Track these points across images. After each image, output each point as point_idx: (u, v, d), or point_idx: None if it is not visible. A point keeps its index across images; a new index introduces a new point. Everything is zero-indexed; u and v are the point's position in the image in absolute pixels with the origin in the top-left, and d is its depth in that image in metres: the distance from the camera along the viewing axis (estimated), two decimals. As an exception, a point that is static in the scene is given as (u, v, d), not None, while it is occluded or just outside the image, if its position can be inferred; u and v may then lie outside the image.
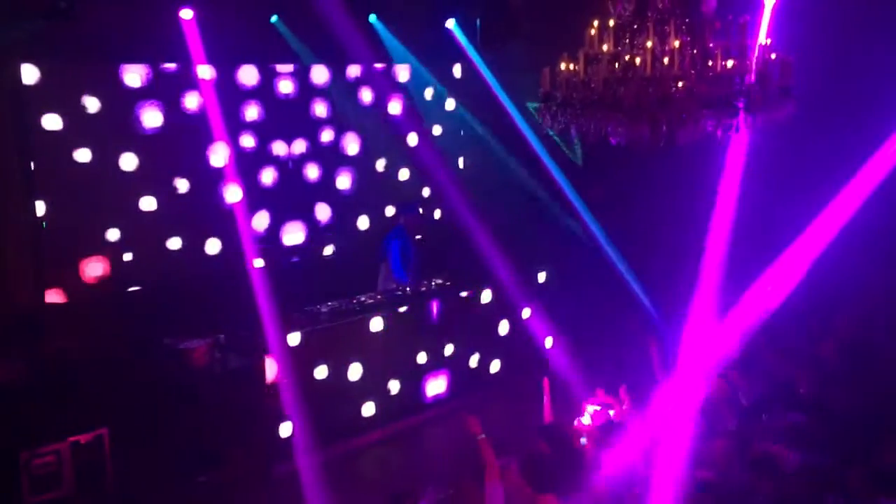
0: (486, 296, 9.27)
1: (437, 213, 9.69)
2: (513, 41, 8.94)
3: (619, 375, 6.86)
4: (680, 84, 4.44)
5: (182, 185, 8.75)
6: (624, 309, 9.10)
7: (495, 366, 9.45)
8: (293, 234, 9.69)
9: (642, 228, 9.16)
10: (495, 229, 9.30)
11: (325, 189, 9.90)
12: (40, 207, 7.82)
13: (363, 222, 10.20)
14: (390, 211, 10.22)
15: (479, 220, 9.33)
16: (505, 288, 9.28)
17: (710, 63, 4.54)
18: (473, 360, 9.23)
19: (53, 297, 7.95)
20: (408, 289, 8.85)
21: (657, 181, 8.62)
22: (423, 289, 8.95)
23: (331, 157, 9.89)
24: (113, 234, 8.29)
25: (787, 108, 4.60)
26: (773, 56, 4.57)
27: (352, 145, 10.01)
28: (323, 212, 9.72)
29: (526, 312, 9.32)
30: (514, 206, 9.64)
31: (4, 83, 7.49)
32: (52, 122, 7.84)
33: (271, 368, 7.58)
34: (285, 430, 7.66)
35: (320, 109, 9.73)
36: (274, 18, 8.84)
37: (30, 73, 7.68)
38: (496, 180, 9.57)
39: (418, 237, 9.32)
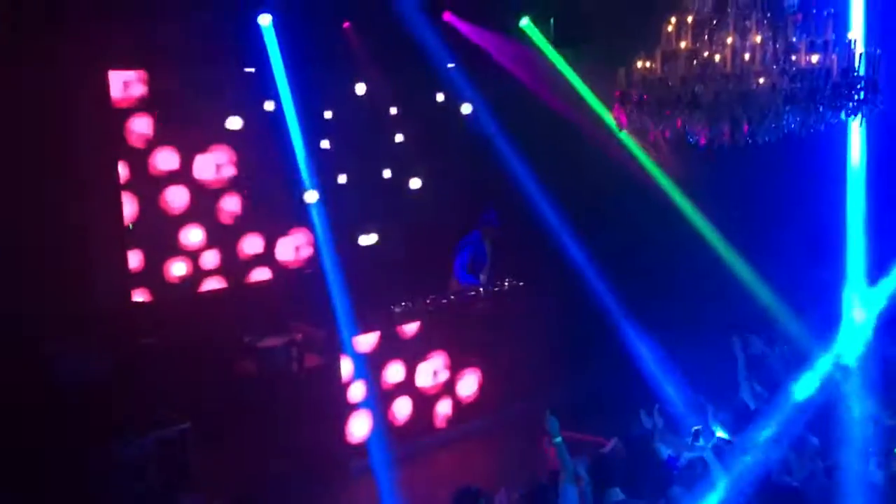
0: (562, 296, 9.20)
1: (515, 214, 9.60)
2: (587, 40, 8.82)
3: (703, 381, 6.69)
4: (761, 80, 4.32)
5: (260, 186, 8.95)
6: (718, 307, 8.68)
7: (570, 367, 9.37)
8: (367, 236, 9.82)
9: (745, 221, 8.73)
10: (579, 229, 9.18)
11: (398, 190, 9.99)
12: (127, 209, 8.11)
13: (435, 223, 10.24)
14: (463, 212, 10.19)
15: (560, 219, 9.22)
16: (582, 289, 9.22)
17: (794, 58, 4.41)
18: (548, 361, 9.17)
19: (139, 296, 8.24)
20: (481, 290, 8.85)
21: (762, 172, 8.21)
22: (497, 289, 8.94)
23: (403, 159, 9.98)
24: (195, 235, 8.55)
25: (876, 102, 4.43)
26: (861, 50, 4.41)
27: (425, 147, 10.08)
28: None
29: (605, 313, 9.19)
30: (599, 204, 9.39)
31: (93, 90, 7.78)
32: (137, 126, 8.13)
33: (346, 367, 7.69)
34: (360, 427, 7.76)
35: (393, 111, 9.82)
36: (346, 24, 8.94)
37: (117, 80, 7.97)
38: (578, 178, 9.38)
39: (492, 243, 9.28)
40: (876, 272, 7.64)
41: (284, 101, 8.74)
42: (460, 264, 9.06)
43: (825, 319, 7.38)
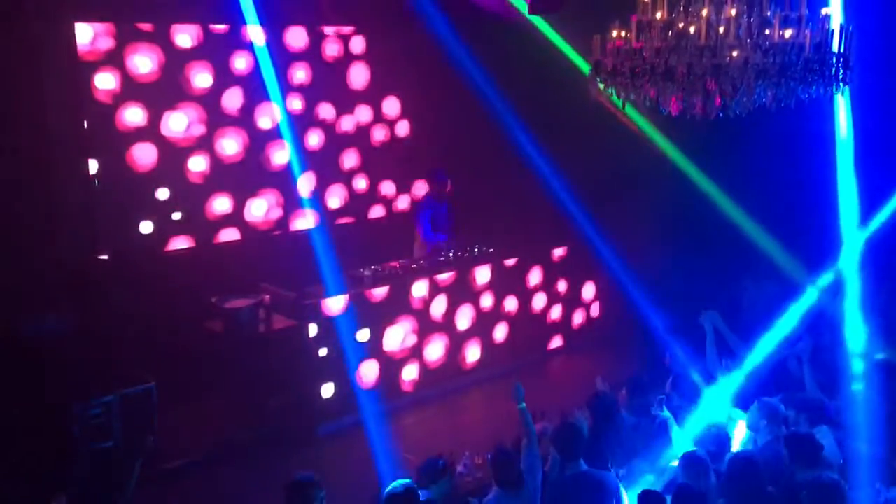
0: (530, 263, 9.28)
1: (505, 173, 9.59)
2: (565, 6, 8.76)
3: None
4: (735, 54, 4.32)
5: (230, 146, 8.84)
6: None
7: (538, 333, 9.49)
8: (334, 198, 9.76)
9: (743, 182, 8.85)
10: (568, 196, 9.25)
11: (365, 154, 9.93)
12: (93, 166, 7.97)
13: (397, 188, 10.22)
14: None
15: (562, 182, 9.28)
16: (553, 255, 9.31)
17: (767, 32, 4.41)
18: (516, 328, 9.25)
19: (105, 253, 8.13)
20: (450, 255, 8.86)
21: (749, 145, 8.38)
22: (466, 255, 8.96)
23: (372, 122, 9.91)
24: (162, 194, 8.43)
25: (845, 79, 4.45)
26: (835, 25, 4.42)
27: (393, 110, 10.01)
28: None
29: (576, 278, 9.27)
30: (589, 172, 9.41)
31: (59, 43, 7.59)
32: (104, 81, 7.96)
33: (314, 330, 7.69)
34: (327, 390, 7.78)
35: (364, 73, 9.72)
36: None
37: (84, 33, 7.78)
38: (566, 145, 9.38)
39: (447, 203, 9.27)
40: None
41: (256, 59, 8.64)
42: (424, 228, 9.05)
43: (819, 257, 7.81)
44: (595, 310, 10.03)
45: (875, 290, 7.54)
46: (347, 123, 9.72)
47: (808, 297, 7.46)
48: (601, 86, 4.63)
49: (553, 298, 9.58)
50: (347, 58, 9.60)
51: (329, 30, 9.40)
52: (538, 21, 9.41)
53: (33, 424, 6.39)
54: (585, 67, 8.76)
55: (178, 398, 7.23)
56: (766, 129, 7.47)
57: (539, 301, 9.46)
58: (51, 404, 6.51)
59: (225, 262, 8.50)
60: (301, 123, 9.24)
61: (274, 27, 8.75)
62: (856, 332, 6.95)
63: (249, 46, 8.65)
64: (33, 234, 7.44)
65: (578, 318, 9.89)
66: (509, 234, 9.48)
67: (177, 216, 8.51)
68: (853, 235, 7.94)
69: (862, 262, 7.76)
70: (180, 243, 8.60)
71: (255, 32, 8.53)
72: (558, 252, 9.56)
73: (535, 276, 9.37)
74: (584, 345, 9.82)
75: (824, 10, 4.51)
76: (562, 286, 9.63)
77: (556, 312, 9.64)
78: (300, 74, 9.24)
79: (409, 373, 8.41)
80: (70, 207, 7.81)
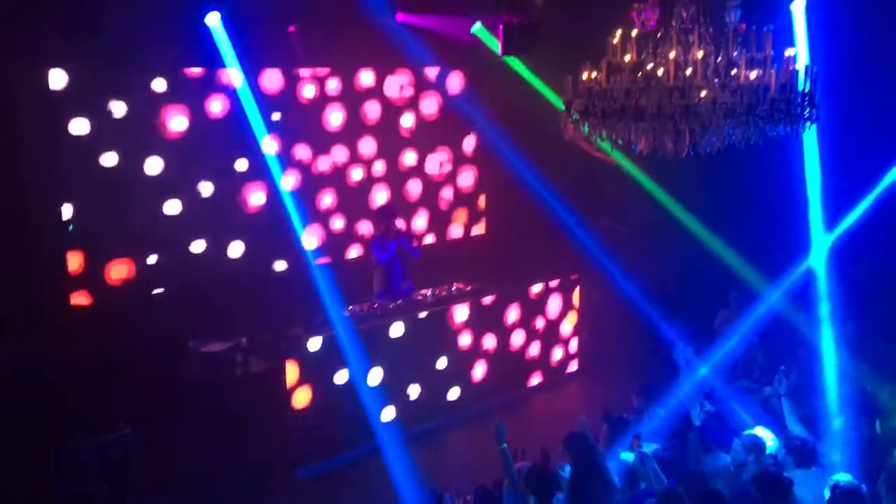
0: (508, 300, 9.30)
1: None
2: (536, 48, 8.92)
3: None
4: (703, 94, 4.41)
5: (206, 188, 8.82)
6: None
7: (515, 372, 9.48)
8: (311, 238, 9.74)
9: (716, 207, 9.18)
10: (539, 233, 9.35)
11: (342, 194, 9.95)
12: (67, 210, 7.92)
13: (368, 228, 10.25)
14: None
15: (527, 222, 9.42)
16: (529, 292, 9.35)
17: (734, 72, 4.52)
18: (496, 366, 9.24)
19: (79, 298, 8.05)
20: (428, 294, 8.87)
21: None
22: (444, 294, 8.97)
23: (349, 162, 9.96)
24: (138, 237, 8.37)
25: (811, 117, 4.55)
26: (799, 66, 4.53)
27: (370, 150, 10.07)
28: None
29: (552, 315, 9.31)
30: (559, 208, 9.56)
31: (33, 88, 7.58)
32: (79, 126, 7.94)
33: (292, 372, 7.63)
34: (305, 433, 7.70)
35: (341, 113, 9.77)
36: (291, 28, 8.87)
37: (57, 78, 7.78)
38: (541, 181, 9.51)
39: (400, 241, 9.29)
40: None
41: (231, 102, 8.67)
42: (376, 253, 9.01)
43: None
44: (574, 345, 10.06)
45: (843, 318, 7.68)
46: (324, 164, 9.74)
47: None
48: (574, 125, 4.71)
49: (531, 335, 9.59)
50: (323, 99, 9.65)
51: (304, 72, 9.46)
52: (512, 60, 9.60)
53: (8, 470, 6.28)
54: (559, 104, 9.06)
55: (156, 443, 7.12)
56: (738, 160, 7.74)
57: (518, 338, 9.47)
58: (25, 450, 6.40)
59: (202, 304, 8.42)
60: (277, 164, 9.24)
61: (249, 70, 8.78)
62: (830, 362, 7.05)
63: (225, 89, 8.68)
64: (7, 277, 7.35)
65: (557, 354, 9.90)
66: (488, 268, 9.54)
67: (152, 259, 8.45)
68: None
69: (829, 279, 8.12)
70: (156, 287, 8.53)
71: (230, 75, 8.56)
72: (536, 289, 9.62)
73: (513, 314, 9.39)
74: (564, 381, 9.84)
75: (789, 51, 4.62)
76: (540, 323, 9.65)
77: (534, 349, 9.65)
78: (276, 116, 9.25)
79: (389, 413, 8.35)
80: (44, 252, 7.74)
